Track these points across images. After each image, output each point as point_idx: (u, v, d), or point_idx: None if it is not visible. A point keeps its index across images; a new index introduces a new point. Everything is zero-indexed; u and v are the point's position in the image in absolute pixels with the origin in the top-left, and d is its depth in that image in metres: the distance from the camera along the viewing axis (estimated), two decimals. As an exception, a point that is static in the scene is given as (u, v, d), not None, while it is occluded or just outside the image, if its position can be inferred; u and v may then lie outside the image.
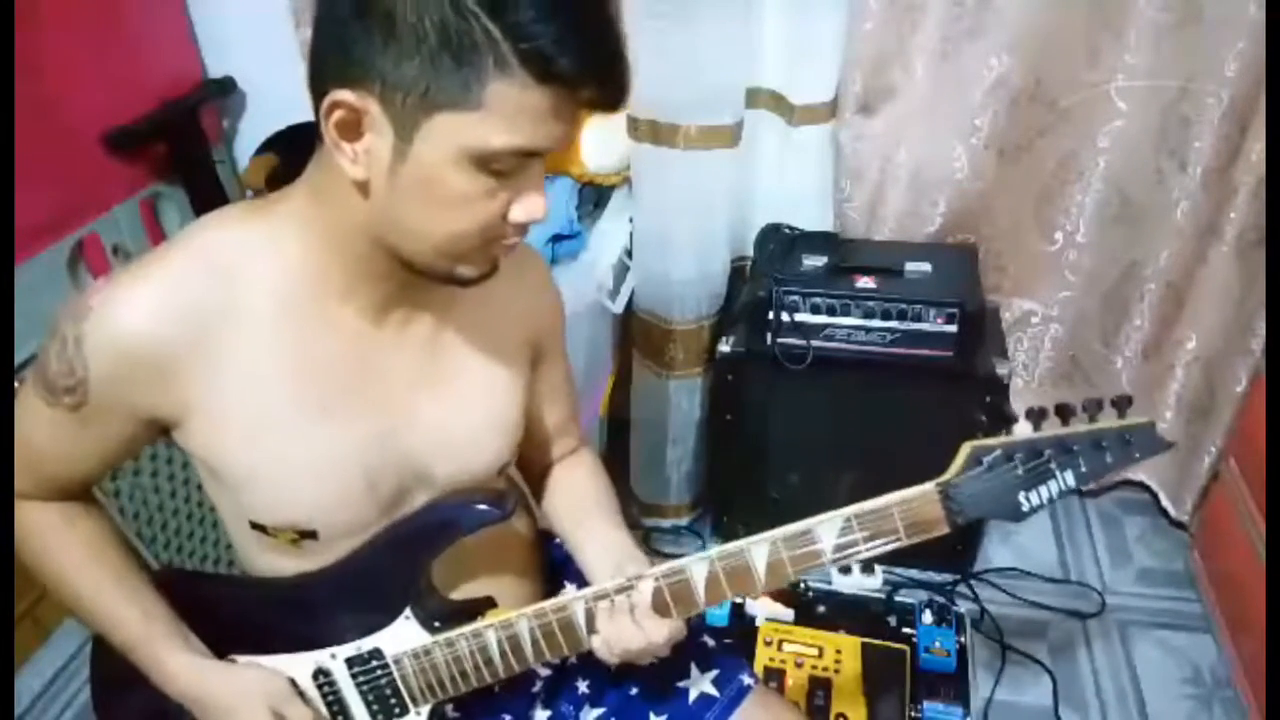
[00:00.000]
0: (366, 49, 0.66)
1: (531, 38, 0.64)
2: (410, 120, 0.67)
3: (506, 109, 0.66)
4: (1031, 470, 0.79)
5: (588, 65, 0.67)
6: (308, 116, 0.71)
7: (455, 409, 0.88)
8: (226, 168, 1.93)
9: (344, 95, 0.67)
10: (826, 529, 0.82)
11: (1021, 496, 0.79)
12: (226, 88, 1.89)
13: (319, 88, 0.69)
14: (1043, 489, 0.79)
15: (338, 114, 0.69)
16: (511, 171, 0.71)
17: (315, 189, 0.77)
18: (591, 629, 0.87)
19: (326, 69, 0.69)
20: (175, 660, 0.86)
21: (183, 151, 1.78)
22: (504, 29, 0.64)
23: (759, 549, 0.83)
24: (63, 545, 0.87)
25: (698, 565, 0.85)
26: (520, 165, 0.71)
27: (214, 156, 1.87)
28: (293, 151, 1.75)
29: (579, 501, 1.03)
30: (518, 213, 0.74)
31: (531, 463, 1.08)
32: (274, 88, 1.86)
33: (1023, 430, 0.80)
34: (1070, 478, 0.79)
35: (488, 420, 0.91)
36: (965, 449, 0.80)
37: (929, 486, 0.80)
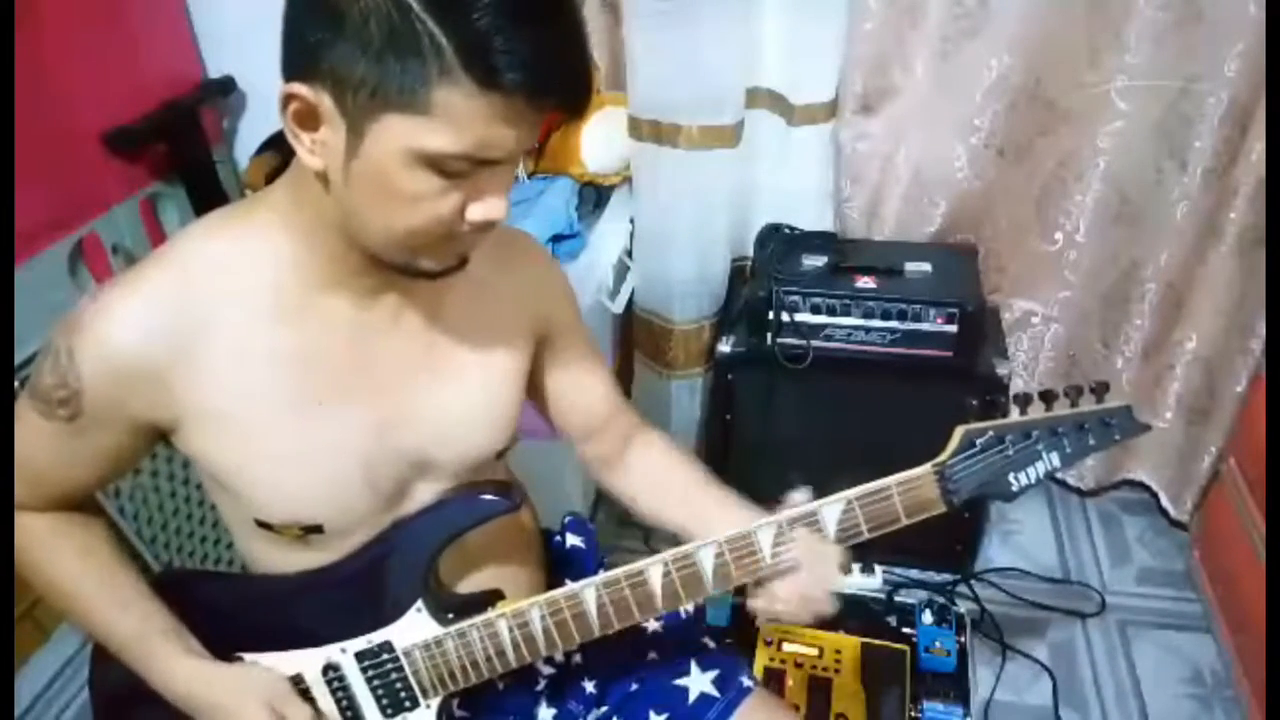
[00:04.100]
0: (319, 45, 0.66)
1: (477, 47, 0.63)
2: (360, 117, 0.67)
3: (453, 114, 0.65)
4: (1020, 452, 0.84)
5: (538, 77, 0.65)
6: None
7: (450, 397, 0.88)
8: (226, 168, 1.93)
9: (298, 88, 0.68)
10: (829, 511, 0.85)
11: (1011, 477, 0.84)
12: (226, 88, 1.89)
13: (284, 78, 0.70)
14: (1030, 470, 0.84)
15: (294, 105, 0.69)
16: (466, 173, 0.70)
17: (293, 183, 0.78)
18: (606, 624, 0.87)
19: (287, 60, 0.69)
20: (173, 664, 0.85)
21: (183, 151, 1.78)
22: (449, 35, 0.62)
23: (765, 532, 0.85)
24: (53, 556, 0.86)
25: (705, 550, 0.86)
26: (475, 167, 0.70)
27: (214, 156, 1.87)
28: (292, 152, 1.75)
29: (670, 491, 1.01)
30: (474, 213, 0.73)
31: (597, 451, 1.05)
32: (274, 88, 1.85)
33: (1011, 414, 0.84)
34: (1056, 458, 0.84)
35: (482, 408, 0.91)
36: (959, 432, 0.84)
37: (925, 468, 0.84)
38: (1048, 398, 0.83)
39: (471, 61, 0.63)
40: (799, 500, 0.86)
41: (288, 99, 0.69)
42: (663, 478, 1.03)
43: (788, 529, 0.85)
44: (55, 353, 0.77)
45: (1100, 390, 0.84)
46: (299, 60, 0.68)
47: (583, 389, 1.02)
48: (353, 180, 0.70)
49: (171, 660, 0.85)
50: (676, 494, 1.01)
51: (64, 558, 0.87)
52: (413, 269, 0.77)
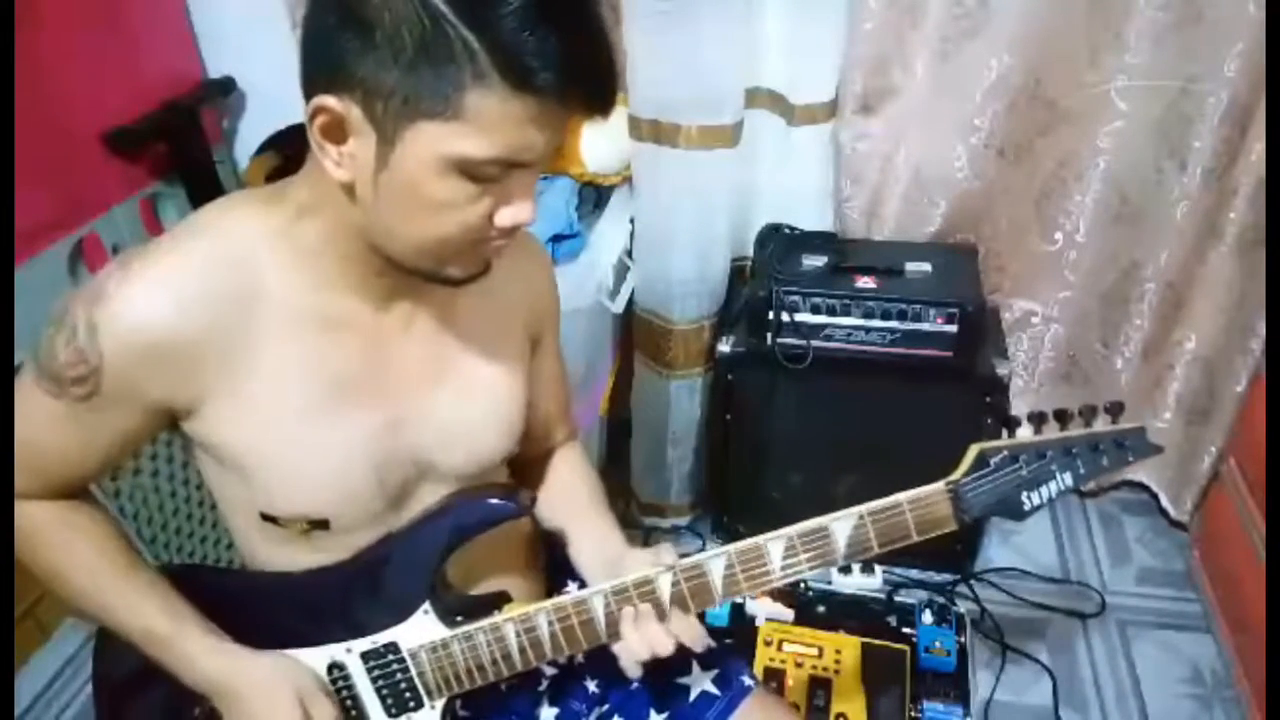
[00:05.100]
0: (348, 56, 0.66)
1: (510, 49, 0.64)
2: (391, 127, 0.67)
3: (486, 118, 0.66)
4: (1034, 471, 0.83)
5: (569, 76, 0.66)
6: (307, 117, 0.71)
7: (461, 400, 0.88)
8: (226, 168, 1.93)
9: (327, 101, 0.68)
10: (840, 526, 0.84)
11: (1024, 496, 0.84)
12: (226, 88, 1.89)
13: (306, 91, 0.69)
14: (1043, 489, 0.84)
15: (321, 118, 0.69)
16: (497, 177, 0.71)
17: (311, 186, 0.77)
18: (613, 633, 0.87)
19: (312, 74, 0.69)
20: (201, 644, 0.85)
21: (183, 151, 1.78)
22: (482, 39, 0.63)
23: (775, 545, 0.85)
24: (65, 543, 0.85)
25: (715, 561, 0.85)
26: (506, 172, 0.70)
27: (214, 156, 1.86)
28: (293, 152, 1.76)
29: (569, 496, 1.04)
30: (503, 218, 0.73)
31: (521, 453, 1.07)
32: (274, 88, 1.85)
33: (1025, 433, 0.83)
34: (1069, 478, 0.84)
35: (492, 411, 0.92)
36: (973, 450, 0.83)
37: (939, 486, 0.83)
38: (1062, 417, 0.83)
39: (506, 64, 0.64)
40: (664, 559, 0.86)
41: (316, 112, 0.69)
42: (568, 485, 1.05)
43: (798, 541, 0.84)
44: (72, 327, 0.75)
45: (1115, 410, 0.84)
46: (326, 73, 0.67)
47: (549, 395, 1.04)
48: (382, 191, 0.70)
49: (195, 646, 0.84)
50: (574, 505, 1.03)
51: (78, 548, 0.85)
52: (438, 277, 0.77)
